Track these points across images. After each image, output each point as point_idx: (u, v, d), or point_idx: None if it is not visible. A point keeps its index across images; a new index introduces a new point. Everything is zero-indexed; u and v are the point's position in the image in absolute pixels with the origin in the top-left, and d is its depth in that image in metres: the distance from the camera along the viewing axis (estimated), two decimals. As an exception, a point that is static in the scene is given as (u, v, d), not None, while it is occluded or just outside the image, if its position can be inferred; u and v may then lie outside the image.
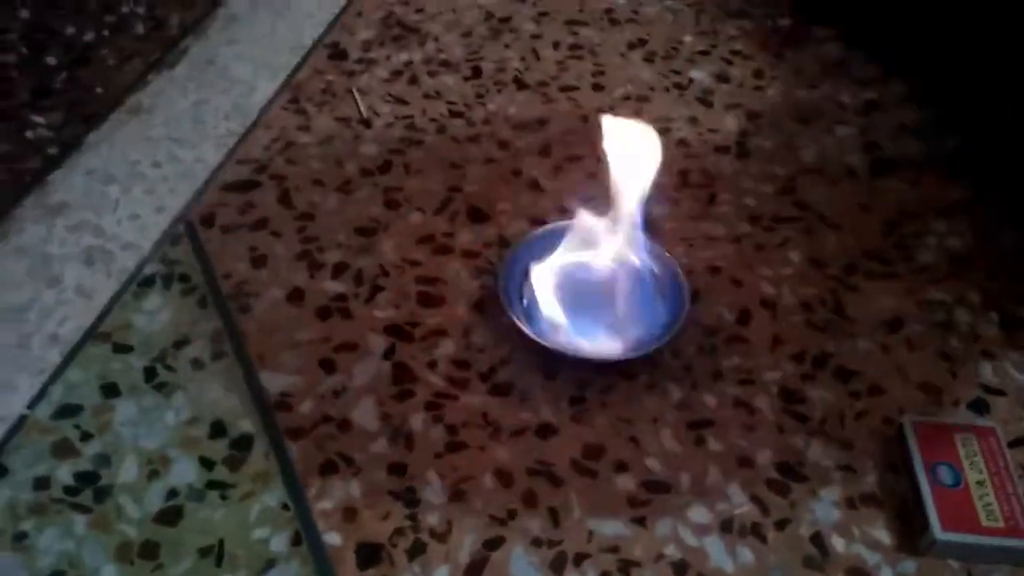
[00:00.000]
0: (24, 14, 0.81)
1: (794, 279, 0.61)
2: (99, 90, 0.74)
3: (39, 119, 0.71)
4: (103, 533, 0.47)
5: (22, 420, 0.51)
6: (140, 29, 0.81)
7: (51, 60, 0.76)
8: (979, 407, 0.54)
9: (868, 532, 0.48)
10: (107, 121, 0.71)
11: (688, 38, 0.82)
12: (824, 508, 0.49)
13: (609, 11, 0.85)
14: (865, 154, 0.71)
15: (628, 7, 0.86)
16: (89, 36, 0.79)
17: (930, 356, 0.57)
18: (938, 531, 0.46)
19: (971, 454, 0.49)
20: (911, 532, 0.48)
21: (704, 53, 0.81)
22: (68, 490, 0.48)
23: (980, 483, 0.48)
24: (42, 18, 0.81)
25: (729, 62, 0.80)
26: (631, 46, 0.81)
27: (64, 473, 0.49)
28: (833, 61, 0.80)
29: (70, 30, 0.80)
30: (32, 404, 0.52)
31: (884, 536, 0.48)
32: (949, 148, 0.72)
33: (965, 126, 0.74)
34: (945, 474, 0.48)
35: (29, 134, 0.69)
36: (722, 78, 0.78)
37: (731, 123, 0.73)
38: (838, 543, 0.48)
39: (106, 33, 0.80)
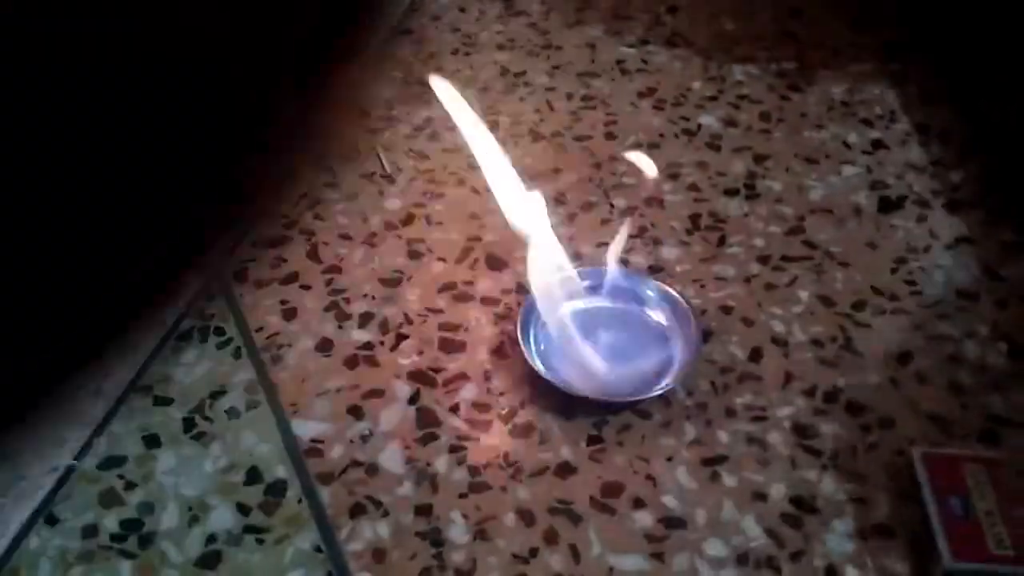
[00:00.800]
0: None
1: (804, 317, 0.63)
2: (138, 156, 0.78)
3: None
4: (147, 577, 0.50)
5: (70, 471, 0.55)
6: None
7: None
8: (989, 437, 0.55)
9: (881, 563, 0.50)
10: (146, 185, 0.75)
11: (696, 84, 0.86)
12: (837, 540, 0.51)
13: (620, 62, 0.89)
14: (872, 192, 0.73)
15: (638, 57, 0.89)
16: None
17: (940, 389, 0.58)
18: (948, 561, 0.47)
19: (981, 484, 0.50)
20: (924, 562, 0.49)
21: (712, 99, 0.84)
22: (115, 537, 0.51)
23: (989, 513, 0.49)
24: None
25: (736, 106, 0.83)
26: (641, 95, 0.84)
27: (111, 521, 0.52)
28: (838, 102, 0.83)
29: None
30: (79, 456, 0.55)
31: (897, 566, 0.49)
32: (954, 183, 0.74)
33: (970, 161, 0.76)
34: (955, 504, 0.49)
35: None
36: (730, 122, 0.81)
37: (739, 166, 0.76)
38: (852, 574, 0.49)
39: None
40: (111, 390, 0.59)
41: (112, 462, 0.55)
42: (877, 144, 0.78)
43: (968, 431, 0.56)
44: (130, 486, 0.54)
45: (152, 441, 0.56)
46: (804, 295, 0.65)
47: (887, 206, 0.72)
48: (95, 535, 0.51)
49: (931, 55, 0.89)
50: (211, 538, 0.51)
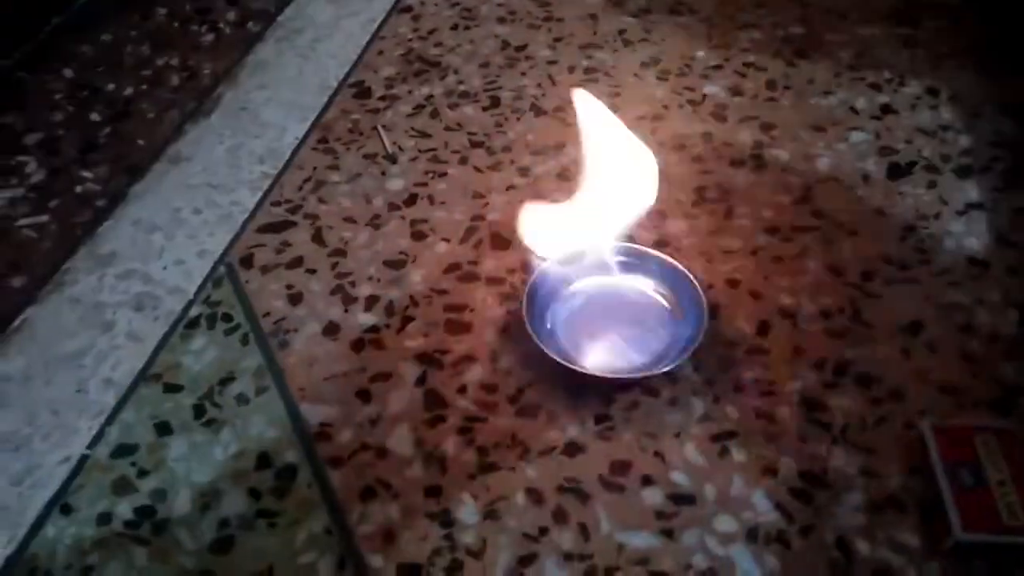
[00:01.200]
0: (68, 74, 0.86)
1: (813, 288, 0.63)
2: (141, 142, 0.78)
3: (87, 174, 0.75)
4: (162, 564, 0.50)
5: (83, 460, 0.55)
6: (175, 81, 0.85)
7: (95, 116, 0.81)
8: (1001, 407, 0.55)
9: (892, 535, 0.49)
10: (150, 172, 0.75)
11: (700, 53, 0.84)
12: (847, 513, 0.50)
13: (622, 32, 0.87)
14: (881, 159, 0.72)
15: (640, 27, 0.88)
16: (128, 91, 0.84)
17: (951, 358, 0.58)
18: (959, 532, 0.47)
19: (992, 454, 0.50)
20: (935, 534, 0.49)
21: (717, 67, 0.82)
22: (128, 524, 0.52)
23: (1001, 483, 0.48)
24: (85, 77, 0.86)
25: (742, 75, 0.81)
26: (644, 65, 0.83)
27: (124, 509, 0.53)
28: (846, 67, 0.81)
29: (111, 87, 0.85)
30: (91, 445, 0.56)
31: (908, 538, 0.49)
32: (964, 147, 0.73)
33: (980, 126, 0.74)
34: (966, 475, 0.49)
35: (79, 189, 0.74)
36: (735, 91, 0.80)
37: (746, 136, 0.75)
38: (863, 547, 0.49)
39: (144, 87, 0.84)
40: (121, 379, 0.59)
41: (124, 450, 0.55)
42: (886, 109, 0.77)
43: (979, 400, 0.55)
44: (142, 474, 0.54)
45: (163, 429, 0.56)
46: (812, 265, 0.64)
47: (896, 172, 0.71)
48: (109, 522, 0.52)
49: (941, 17, 0.87)
50: (223, 523, 0.52)
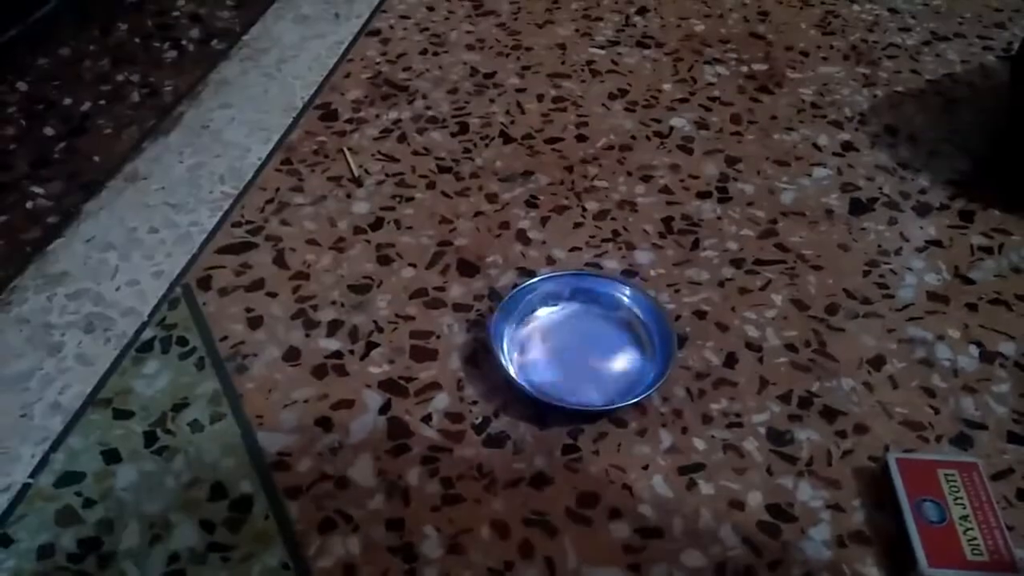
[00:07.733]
0: (22, 87, 0.84)
1: (778, 321, 0.63)
2: (97, 159, 0.76)
3: (39, 190, 0.73)
4: (107, 599, 0.48)
5: (25, 489, 0.52)
6: (135, 97, 0.83)
7: (49, 131, 0.79)
8: (962, 442, 0.55)
9: (858, 570, 0.49)
10: (105, 189, 0.73)
11: (667, 86, 0.85)
12: (814, 547, 0.50)
13: (590, 63, 0.88)
14: (843, 194, 0.73)
15: (608, 58, 0.88)
16: (86, 106, 0.82)
17: (913, 393, 0.58)
18: (925, 567, 0.47)
19: (954, 489, 0.50)
20: (900, 568, 0.49)
21: (683, 101, 0.83)
22: (72, 558, 0.49)
23: (964, 518, 0.49)
24: (40, 90, 0.83)
25: (707, 109, 0.82)
26: (612, 96, 0.84)
27: (68, 541, 0.50)
28: (809, 104, 0.83)
29: (67, 101, 0.82)
30: (34, 473, 0.53)
31: (874, 573, 0.49)
32: (923, 185, 0.74)
33: (938, 164, 0.76)
34: (930, 510, 0.49)
35: (29, 205, 0.71)
36: (701, 125, 0.80)
37: (712, 169, 0.76)
38: (830, 583, 0.49)
39: (102, 102, 0.82)
40: (69, 403, 0.57)
41: (70, 479, 0.53)
42: (847, 146, 0.78)
43: (941, 435, 0.56)
44: (88, 504, 0.52)
45: (112, 456, 0.54)
46: (778, 299, 0.64)
47: (858, 208, 0.72)
48: (51, 555, 0.49)
49: (899, 58, 0.89)
50: (174, 557, 0.49)
